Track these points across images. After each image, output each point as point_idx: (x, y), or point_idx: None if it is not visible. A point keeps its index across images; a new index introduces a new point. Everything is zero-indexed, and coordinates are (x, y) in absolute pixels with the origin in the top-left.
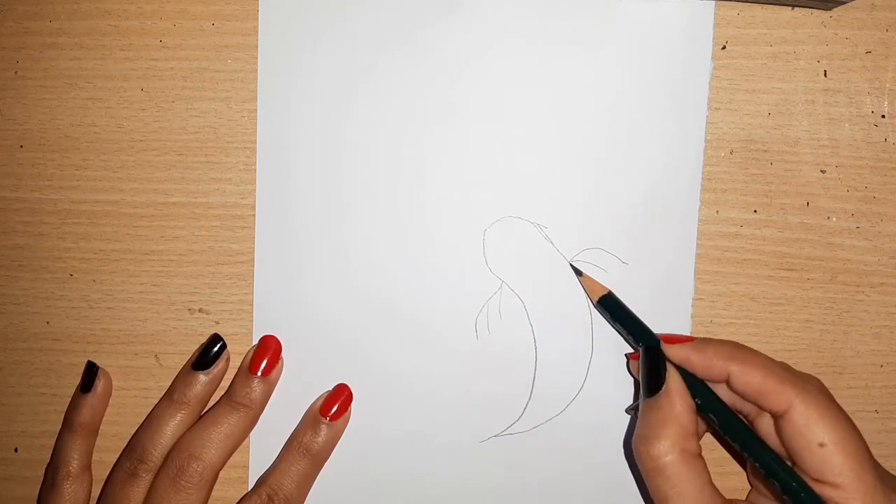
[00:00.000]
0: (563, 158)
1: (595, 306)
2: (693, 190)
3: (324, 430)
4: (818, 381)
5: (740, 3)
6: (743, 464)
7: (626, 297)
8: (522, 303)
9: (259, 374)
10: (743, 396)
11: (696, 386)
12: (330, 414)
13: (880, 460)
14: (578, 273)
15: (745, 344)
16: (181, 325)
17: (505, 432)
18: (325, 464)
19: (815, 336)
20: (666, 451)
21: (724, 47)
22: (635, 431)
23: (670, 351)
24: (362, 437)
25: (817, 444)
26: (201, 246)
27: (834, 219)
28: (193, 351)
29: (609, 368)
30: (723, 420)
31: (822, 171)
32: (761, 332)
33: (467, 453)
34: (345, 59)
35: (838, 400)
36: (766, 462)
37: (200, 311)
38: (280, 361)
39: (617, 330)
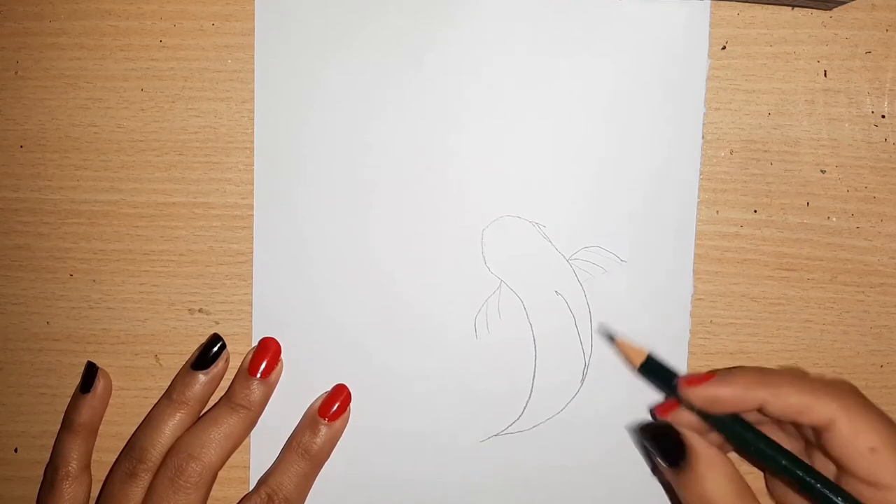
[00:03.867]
0: (562, 157)
1: (636, 373)
2: (691, 188)
3: (323, 431)
4: (850, 384)
5: (740, 3)
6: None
7: (625, 297)
8: (521, 302)
9: (258, 375)
10: (779, 419)
11: (726, 426)
12: (329, 414)
13: None
14: (612, 338)
15: (746, 345)
16: (181, 325)
17: (505, 431)
18: (325, 464)
19: (815, 336)
20: None
21: (723, 47)
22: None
23: (694, 394)
24: (362, 438)
25: (868, 450)
26: (201, 246)
27: (834, 219)
28: (193, 351)
29: (608, 367)
30: (768, 457)
31: (822, 171)
32: (761, 332)
33: (467, 453)
34: (342, 60)
35: None
36: (822, 487)
37: (200, 311)
38: (280, 363)
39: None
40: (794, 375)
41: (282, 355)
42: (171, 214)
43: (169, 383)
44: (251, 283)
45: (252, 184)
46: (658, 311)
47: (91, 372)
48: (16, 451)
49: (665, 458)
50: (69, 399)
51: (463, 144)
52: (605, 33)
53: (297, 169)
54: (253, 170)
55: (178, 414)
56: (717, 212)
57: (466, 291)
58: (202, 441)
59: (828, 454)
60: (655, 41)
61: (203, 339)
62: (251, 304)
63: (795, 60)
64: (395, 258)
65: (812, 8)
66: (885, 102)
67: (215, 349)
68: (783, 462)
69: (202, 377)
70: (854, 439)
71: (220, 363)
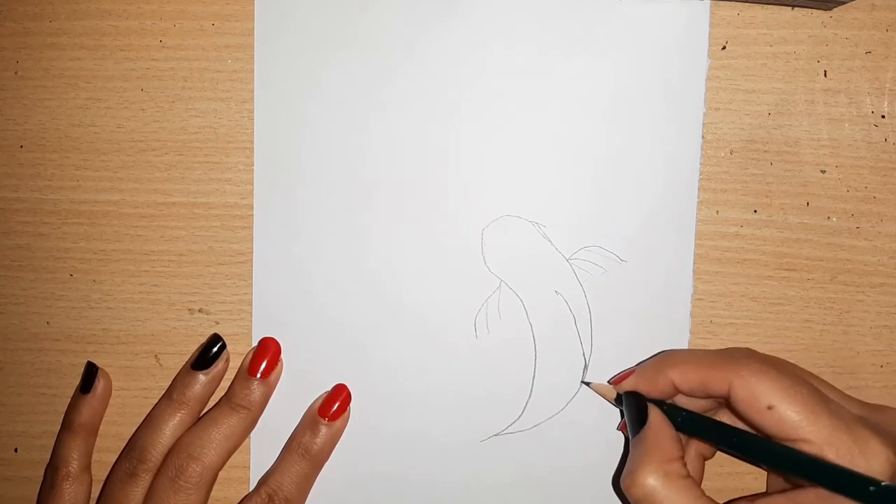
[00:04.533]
0: (562, 157)
1: (615, 404)
2: (691, 188)
3: (323, 431)
4: (748, 350)
5: (740, 3)
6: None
7: (625, 297)
8: (521, 301)
9: (258, 375)
10: (694, 396)
11: (677, 413)
12: (329, 414)
13: None
14: (587, 384)
15: (745, 345)
16: (181, 325)
17: (505, 431)
18: (326, 464)
19: (815, 336)
20: (648, 478)
21: (724, 47)
22: (623, 472)
23: (620, 387)
24: (362, 437)
25: (766, 409)
26: (201, 246)
27: (834, 219)
28: (193, 351)
29: (608, 366)
30: (712, 436)
31: (822, 171)
32: (761, 332)
33: (467, 452)
34: (342, 59)
35: None
36: (764, 455)
37: (200, 311)
38: (280, 363)
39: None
40: (694, 353)
41: (282, 355)
42: (171, 214)
43: (169, 383)
44: (251, 283)
45: (252, 184)
46: (658, 311)
47: (91, 372)
48: (16, 451)
49: (633, 426)
50: (69, 399)
51: (463, 144)
52: (605, 33)
53: (296, 169)
54: (253, 170)
55: (179, 414)
56: (717, 212)
57: (466, 291)
58: (202, 441)
59: (748, 424)
60: (655, 41)
61: (203, 339)
62: (251, 304)
63: (795, 60)
64: (395, 258)
65: (812, 8)
66: (885, 102)
67: (215, 349)
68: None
69: (202, 377)
70: (751, 401)
71: (220, 363)
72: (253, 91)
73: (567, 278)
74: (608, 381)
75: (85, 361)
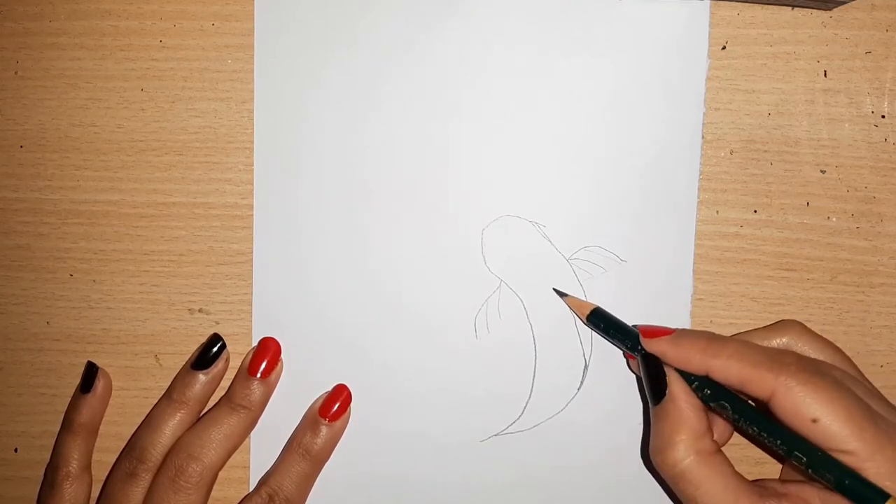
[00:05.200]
0: (561, 157)
1: (585, 323)
2: (691, 188)
3: (323, 431)
4: (794, 354)
5: (740, 3)
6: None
7: (625, 297)
8: (521, 302)
9: (258, 375)
10: (728, 386)
11: (702, 379)
12: (329, 414)
13: None
14: (562, 295)
15: None
16: (181, 325)
17: (505, 431)
18: (326, 464)
19: None
20: (682, 456)
21: (723, 47)
22: (650, 442)
23: (648, 346)
24: (362, 437)
25: (810, 421)
26: (201, 246)
27: (834, 219)
28: (193, 351)
29: (608, 366)
30: (735, 407)
31: (822, 171)
32: None
33: (467, 452)
34: (342, 59)
35: None
36: (786, 441)
37: (200, 311)
38: (280, 363)
39: (610, 341)
40: (740, 346)
41: (282, 355)
42: (171, 214)
43: (169, 383)
44: (251, 283)
45: (252, 184)
46: (658, 311)
47: (91, 372)
48: (16, 451)
49: (652, 391)
50: (69, 399)
51: (463, 144)
52: (605, 33)
53: (296, 169)
54: (253, 170)
55: (179, 414)
56: (717, 212)
57: (466, 291)
58: (202, 441)
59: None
60: (655, 41)
61: (203, 339)
62: (251, 304)
63: (795, 60)
64: (394, 258)
65: (812, 8)
66: (885, 102)
67: (215, 349)
68: (758, 419)
69: (202, 377)
70: (795, 412)
71: (220, 363)
72: (253, 91)
73: (567, 278)
74: (634, 326)
75: (85, 361)
